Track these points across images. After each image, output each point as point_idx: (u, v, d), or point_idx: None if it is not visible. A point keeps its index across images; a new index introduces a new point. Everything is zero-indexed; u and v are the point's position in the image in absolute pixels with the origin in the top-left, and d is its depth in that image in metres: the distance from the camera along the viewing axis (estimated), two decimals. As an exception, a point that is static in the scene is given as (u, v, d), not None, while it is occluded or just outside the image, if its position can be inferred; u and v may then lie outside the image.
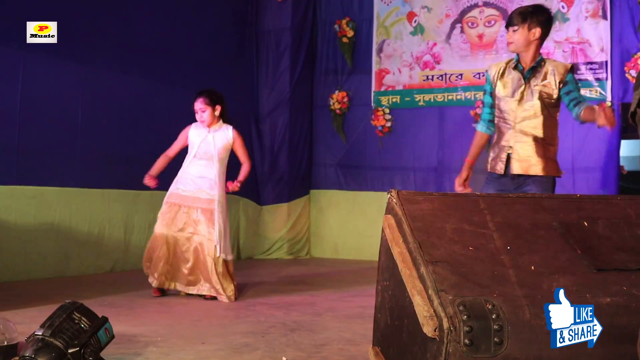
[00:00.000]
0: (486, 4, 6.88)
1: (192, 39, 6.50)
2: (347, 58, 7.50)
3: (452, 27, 7.01)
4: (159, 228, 4.27)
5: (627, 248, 1.89)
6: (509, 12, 6.72)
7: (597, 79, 6.33)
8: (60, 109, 5.18)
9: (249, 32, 7.46)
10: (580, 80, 6.39)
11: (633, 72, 6.15)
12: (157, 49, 5.99)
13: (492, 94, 3.44)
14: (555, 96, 3.30)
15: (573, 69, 3.38)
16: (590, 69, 6.36)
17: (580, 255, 1.83)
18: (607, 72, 6.30)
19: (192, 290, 4.25)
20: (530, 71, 3.32)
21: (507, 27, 3.42)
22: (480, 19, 6.89)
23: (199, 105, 4.36)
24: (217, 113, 4.39)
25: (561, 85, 3.29)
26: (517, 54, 3.38)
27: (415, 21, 7.20)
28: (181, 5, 6.41)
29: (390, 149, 7.22)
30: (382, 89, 7.32)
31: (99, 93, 5.49)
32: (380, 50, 7.36)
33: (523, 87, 3.31)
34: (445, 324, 1.56)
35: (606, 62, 6.31)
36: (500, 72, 3.40)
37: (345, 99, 7.46)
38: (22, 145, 4.87)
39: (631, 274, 1.77)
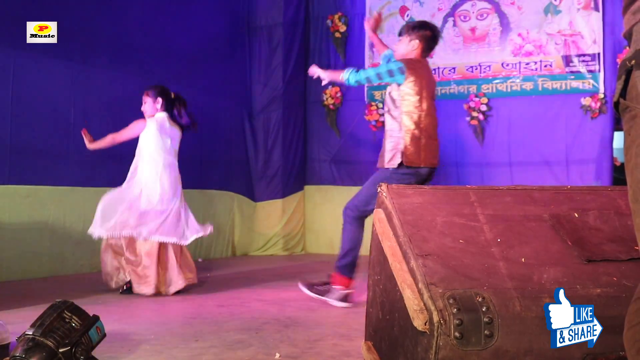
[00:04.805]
0: (478, -3, 6.88)
1: (184, 36, 6.48)
2: (340, 53, 7.48)
3: (445, 21, 7.00)
4: None
5: (618, 239, 1.88)
6: (501, 6, 6.79)
7: (590, 71, 6.33)
8: (52, 107, 5.15)
9: (241, 27, 7.44)
10: (572, 72, 6.41)
11: (625, 64, 6.15)
12: (149, 46, 5.97)
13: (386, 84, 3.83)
14: (394, 91, 3.66)
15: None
16: (583, 61, 6.36)
17: (570, 246, 1.83)
18: (599, 64, 6.30)
19: None
20: None
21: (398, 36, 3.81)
22: (473, 13, 6.88)
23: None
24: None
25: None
26: None
27: (407, 15, 7.18)
28: (173, 1, 6.39)
29: (384, 144, 7.20)
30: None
31: (91, 91, 5.46)
32: (373, 44, 7.35)
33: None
34: (435, 318, 1.56)
35: (598, 54, 6.31)
36: None
37: (339, 94, 7.44)
38: (15, 144, 4.85)
39: (621, 265, 1.78)
